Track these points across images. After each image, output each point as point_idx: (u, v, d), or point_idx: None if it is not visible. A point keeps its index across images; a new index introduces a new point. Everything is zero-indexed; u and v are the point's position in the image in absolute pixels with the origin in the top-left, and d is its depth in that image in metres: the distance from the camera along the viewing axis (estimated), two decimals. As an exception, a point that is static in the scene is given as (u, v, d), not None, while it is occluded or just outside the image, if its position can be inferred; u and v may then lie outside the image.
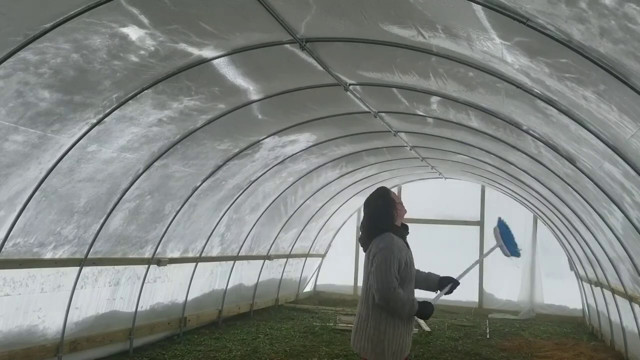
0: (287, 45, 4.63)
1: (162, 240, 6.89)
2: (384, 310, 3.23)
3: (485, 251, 3.81)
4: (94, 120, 4.70)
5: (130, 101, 4.77)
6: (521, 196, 10.27)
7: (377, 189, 3.63)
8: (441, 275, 3.65)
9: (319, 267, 13.22)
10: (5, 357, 5.02)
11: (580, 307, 11.03)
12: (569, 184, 6.18)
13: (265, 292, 10.62)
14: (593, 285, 8.97)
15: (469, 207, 12.33)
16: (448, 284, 3.56)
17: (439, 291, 3.60)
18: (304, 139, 7.58)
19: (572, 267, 10.78)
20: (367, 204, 3.55)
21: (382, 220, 3.42)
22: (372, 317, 3.26)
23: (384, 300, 3.18)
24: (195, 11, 3.88)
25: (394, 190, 12.95)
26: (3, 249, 4.76)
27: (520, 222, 11.94)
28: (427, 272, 3.67)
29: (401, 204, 3.53)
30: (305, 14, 4.05)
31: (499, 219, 4.18)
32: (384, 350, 3.20)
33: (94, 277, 6.02)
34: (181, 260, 7.60)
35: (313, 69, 5.11)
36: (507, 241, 4.02)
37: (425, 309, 3.35)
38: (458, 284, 3.58)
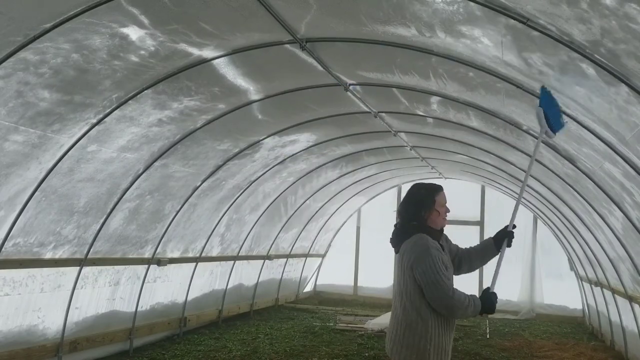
0: (287, 45, 4.63)
1: (162, 240, 6.89)
2: (437, 315, 2.96)
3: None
4: (94, 120, 4.70)
5: (130, 101, 4.77)
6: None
7: (414, 184, 3.25)
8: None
9: (319, 267, 13.22)
10: (5, 357, 5.02)
11: (580, 307, 11.03)
12: (569, 184, 6.18)
13: (265, 292, 10.62)
14: (593, 285, 8.97)
15: (469, 207, 12.33)
16: (504, 238, 3.19)
17: (500, 252, 3.20)
18: (304, 139, 7.58)
19: (572, 267, 10.78)
20: (403, 200, 3.22)
21: (411, 219, 3.11)
22: (413, 323, 2.96)
23: (447, 309, 2.92)
24: (195, 11, 3.87)
25: (395, 190, 12.96)
26: (3, 249, 4.76)
27: (520, 222, 11.86)
28: (473, 247, 3.35)
29: (444, 207, 3.17)
30: (306, 14, 4.05)
31: (543, 88, 3.39)
32: (429, 358, 2.94)
33: (94, 277, 6.02)
34: (181, 260, 7.60)
35: (313, 69, 5.10)
36: (552, 119, 3.27)
37: (490, 300, 3.03)
38: (513, 232, 3.21)
